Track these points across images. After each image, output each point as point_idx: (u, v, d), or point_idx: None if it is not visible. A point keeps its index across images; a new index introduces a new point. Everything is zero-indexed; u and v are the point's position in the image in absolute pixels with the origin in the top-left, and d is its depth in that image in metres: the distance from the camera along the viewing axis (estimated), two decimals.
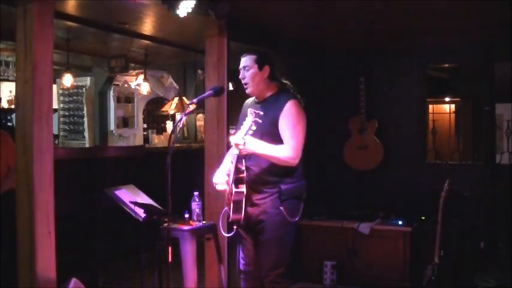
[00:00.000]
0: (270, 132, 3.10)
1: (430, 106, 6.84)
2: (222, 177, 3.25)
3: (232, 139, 2.97)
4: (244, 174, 3.08)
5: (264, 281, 3.22)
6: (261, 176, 3.15)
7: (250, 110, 3.03)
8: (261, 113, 3.01)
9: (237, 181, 3.07)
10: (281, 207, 3.13)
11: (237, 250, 3.44)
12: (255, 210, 3.18)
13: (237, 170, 3.07)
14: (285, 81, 3.33)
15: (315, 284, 5.17)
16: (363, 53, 5.81)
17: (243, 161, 3.10)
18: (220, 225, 3.37)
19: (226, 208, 3.23)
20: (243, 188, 3.07)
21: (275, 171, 3.12)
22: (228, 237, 3.37)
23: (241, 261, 3.39)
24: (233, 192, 3.08)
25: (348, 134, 5.84)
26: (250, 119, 2.91)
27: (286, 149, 3.07)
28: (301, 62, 5.70)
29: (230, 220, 3.17)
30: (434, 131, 5.93)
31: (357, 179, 5.79)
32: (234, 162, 3.07)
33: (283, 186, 3.14)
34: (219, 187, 3.26)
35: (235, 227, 3.23)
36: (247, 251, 3.34)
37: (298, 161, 3.12)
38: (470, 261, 4.70)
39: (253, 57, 3.21)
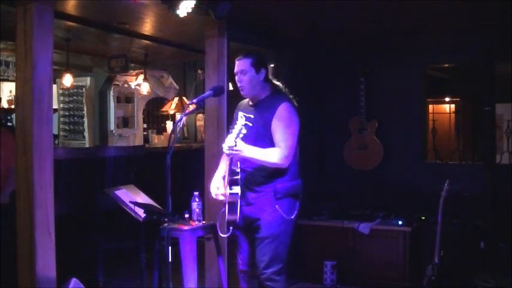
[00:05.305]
0: (263, 134, 3.15)
1: (430, 106, 6.84)
2: (216, 188, 3.33)
3: (224, 145, 3.02)
4: (239, 176, 3.15)
5: (260, 278, 3.25)
6: (255, 176, 3.21)
7: (240, 114, 3.11)
8: (252, 116, 3.05)
9: (232, 183, 3.14)
10: (276, 205, 3.18)
11: (236, 251, 3.51)
12: (251, 209, 3.24)
13: (232, 172, 3.14)
14: (277, 83, 3.36)
15: (315, 284, 5.17)
16: (363, 53, 5.81)
17: (238, 163, 3.16)
18: (218, 225, 3.42)
19: (224, 209, 3.26)
20: (237, 190, 3.14)
21: (268, 171, 3.17)
22: (225, 237, 3.42)
23: (239, 262, 3.46)
24: (228, 194, 3.14)
25: (348, 134, 5.84)
26: (240, 122, 2.97)
27: (276, 153, 3.11)
28: (301, 61, 5.69)
29: (226, 221, 3.22)
30: (434, 131, 5.92)
31: (357, 179, 5.78)
32: (228, 165, 3.15)
33: (278, 185, 3.19)
34: (214, 196, 3.35)
35: (231, 228, 3.26)
36: (244, 252, 3.42)
37: (289, 162, 3.16)
38: (470, 261, 4.69)
39: (250, 60, 3.23)
